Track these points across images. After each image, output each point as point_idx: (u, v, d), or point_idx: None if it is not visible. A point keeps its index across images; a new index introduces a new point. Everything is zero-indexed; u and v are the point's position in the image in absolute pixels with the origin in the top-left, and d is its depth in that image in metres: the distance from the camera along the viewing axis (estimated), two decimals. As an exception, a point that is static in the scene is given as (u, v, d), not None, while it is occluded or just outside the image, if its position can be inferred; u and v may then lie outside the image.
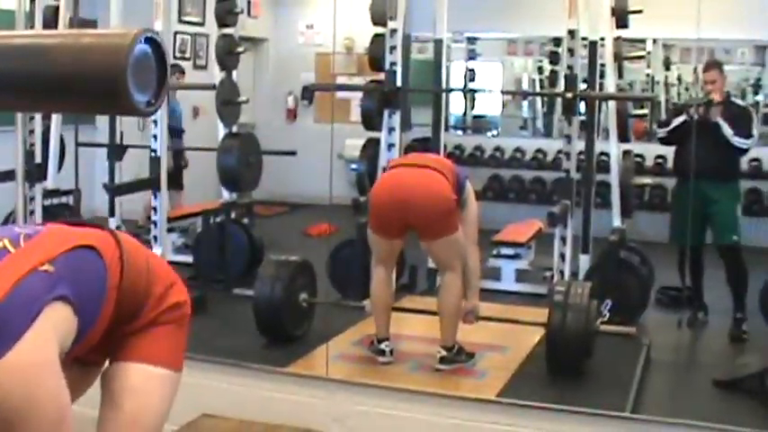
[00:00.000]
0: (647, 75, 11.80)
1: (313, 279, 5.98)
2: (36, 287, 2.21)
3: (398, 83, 6.78)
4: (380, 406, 4.55)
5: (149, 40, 2.29)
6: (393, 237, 5.25)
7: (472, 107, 13.58)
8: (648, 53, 11.47)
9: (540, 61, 12.73)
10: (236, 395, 4.77)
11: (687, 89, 12.70)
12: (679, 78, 12.61)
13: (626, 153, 7.03)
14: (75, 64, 2.22)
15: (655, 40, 11.42)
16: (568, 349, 5.00)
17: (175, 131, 9.55)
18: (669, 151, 10.74)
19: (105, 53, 2.22)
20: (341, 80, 11.79)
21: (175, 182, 9.62)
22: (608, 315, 5.47)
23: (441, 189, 5.07)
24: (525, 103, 13.54)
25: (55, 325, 2.22)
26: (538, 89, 12.83)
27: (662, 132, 7.04)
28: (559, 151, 7.49)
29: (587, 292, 5.13)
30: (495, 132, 13.51)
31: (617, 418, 4.34)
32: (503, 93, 13.01)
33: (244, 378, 4.83)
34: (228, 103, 7.68)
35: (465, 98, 13.32)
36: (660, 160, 11.07)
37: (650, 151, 10.96)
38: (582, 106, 6.67)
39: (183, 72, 9.95)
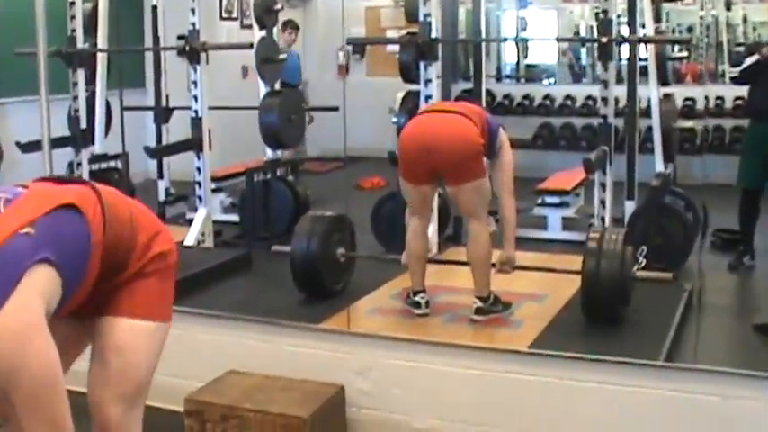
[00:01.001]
0: (700, 17, 11.58)
1: (351, 233, 5.96)
2: (18, 251, 2.26)
3: (434, 34, 6.69)
4: (404, 359, 4.54)
5: None
6: (422, 183, 5.19)
7: (525, 56, 13.45)
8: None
9: (597, 8, 12.57)
10: (264, 352, 4.80)
11: (755, 29, 12.51)
12: (744, 18, 12.41)
13: (666, 96, 6.93)
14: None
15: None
16: (603, 297, 4.92)
17: (288, 86, 9.57)
18: (727, 93, 10.77)
19: None
20: (390, 34, 11.76)
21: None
22: (644, 261, 5.40)
23: (465, 132, 5.01)
24: (583, 51, 13.38)
25: (39, 287, 2.27)
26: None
27: (734, 72, 7.01)
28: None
29: (622, 239, 5.04)
30: (551, 81, 13.39)
31: (650, 366, 4.28)
32: (518, 41, 12.79)
33: (271, 335, 4.85)
34: (268, 61, 7.66)
35: (517, 47, 13.20)
36: (719, 102, 10.94)
37: (710, 93, 10.87)
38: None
39: (297, 28, 10.09)
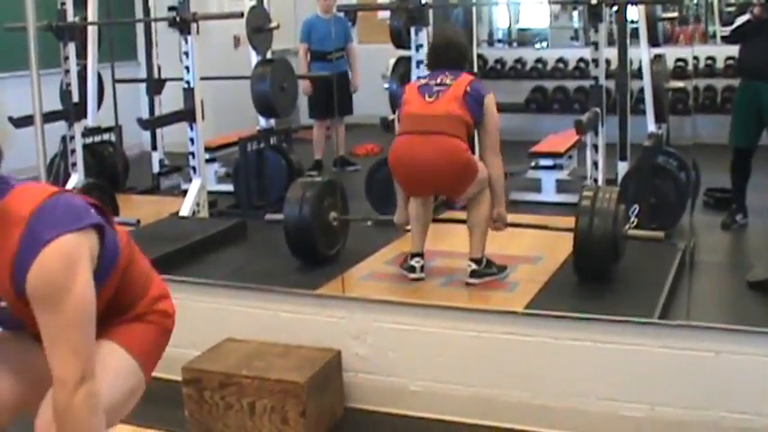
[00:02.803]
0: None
1: (342, 197, 5.98)
2: (89, 209, 2.53)
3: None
4: (400, 322, 4.57)
5: None
6: (421, 195, 5.38)
7: (517, 20, 13.43)
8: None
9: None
10: (260, 319, 4.83)
11: (749, -12, 12.48)
12: (737, -23, 12.37)
13: (657, 57, 6.94)
14: None
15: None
16: (596, 254, 4.94)
17: (318, 54, 9.58)
18: (719, 53, 10.78)
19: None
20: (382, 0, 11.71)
21: (322, 109, 9.61)
22: (635, 220, 5.42)
23: (453, 156, 5.04)
24: (576, 14, 13.36)
25: (90, 247, 2.48)
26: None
27: (726, 31, 7.03)
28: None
29: (615, 197, 5.07)
30: (543, 45, 13.38)
31: (644, 324, 4.30)
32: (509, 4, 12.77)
33: (267, 302, 4.87)
34: (259, 30, 7.65)
35: (509, 11, 13.18)
36: (710, 62, 10.95)
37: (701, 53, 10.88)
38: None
39: None
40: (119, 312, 2.73)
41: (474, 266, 5.21)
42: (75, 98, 7.89)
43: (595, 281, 5.03)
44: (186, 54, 7.18)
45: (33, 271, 2.36)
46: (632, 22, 7.13)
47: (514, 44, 13.32)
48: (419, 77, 5.52)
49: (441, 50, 5.41)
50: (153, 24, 8.88)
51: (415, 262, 5.32)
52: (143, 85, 9.40)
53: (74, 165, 7.73)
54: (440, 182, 5.18)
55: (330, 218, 5.75)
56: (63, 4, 7.85)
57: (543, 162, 8.13)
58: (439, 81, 5.21)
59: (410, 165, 5.14)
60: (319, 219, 5.65)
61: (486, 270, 5.24)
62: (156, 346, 2.85)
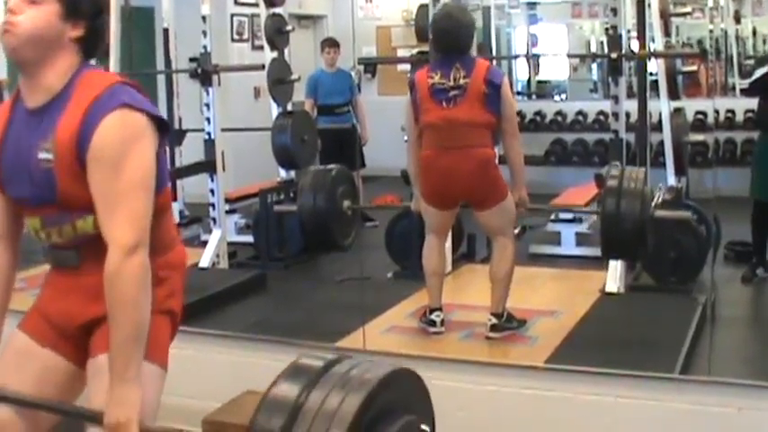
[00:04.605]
0: (710, 30, 11.60)
1: (354, 187, 5.99)
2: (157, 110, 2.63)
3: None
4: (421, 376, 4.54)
5: None
6: (446, 208, 5.27)
7: (536, 72, 13.48)
8: (701, 8, 11.27)
9: (607, 23, 12.61)
10: (280, 371, 4.80)
11: (765, 41, 12.52)
12: (754, 31, 12.42)
13: (677, 110, 6.95)
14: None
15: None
16: (622, 236, 4.95)
17: (325, 108, 9.51)
18: (738, 105, 10.79)
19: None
20: (401, 53, 11.81)
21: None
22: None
23: (482, 170, 5.06)
24: (594, 66, 13.40)
25: (152, 136, 2.58)
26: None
27: (745, 84, 7.02)
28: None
29: (642, 177, 5.06)
30: (562, 97, 13.42)
31: (665, 379, 4.29)
32: (529, 57, 12.85)
33: (287, 355, 4.82)
34: (280, 82, 7.71)
35: (528, 63, 13.24)
36: (730, 115, 10.95)
37: (720, 106, 10.88)
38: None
39: (336, 45, 9.71)
40: (156, 251, 2.66)
41: (494, 320, 5.20)
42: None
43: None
44: (207, 105, 7.24)
45: (101, 129, 2.45)
46: (651, 73, 7.15)
47: (534, 96, 13.35)
48: (429, 69, 5.34)
49: (446, 33, 5.20)
50: (174, 75, 8.94)
51: (435, 316, 5.31)
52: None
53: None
54: (469, 194, 5.13)
55: (344, 206, 5.71)
56: (86, 55, 7.90)
57: (563, 215, 8.13)
58: (452, 81, 5.09)
59: (441, 184, 5.14)
60: (334, 207, 5.61)
61: (507, 324, 5.23)
62: (169, 339, 2.82)
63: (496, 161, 5.18)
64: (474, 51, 5.70)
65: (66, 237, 2.60)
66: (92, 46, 2.65)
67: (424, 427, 2.38)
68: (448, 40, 5.18)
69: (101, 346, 2.60)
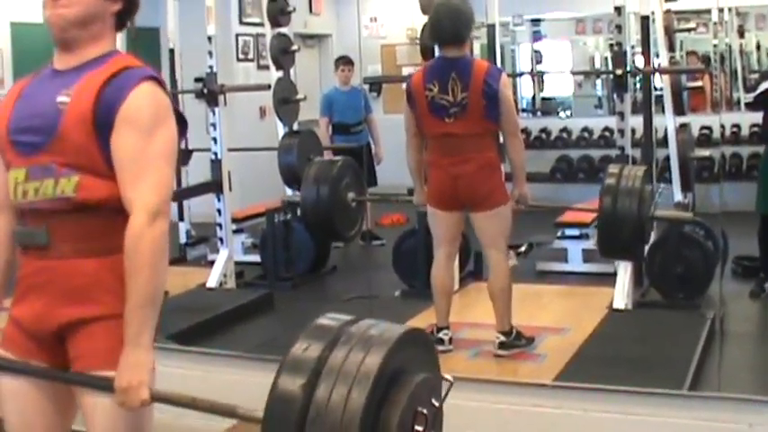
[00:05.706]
0: (714, 45, 11.60)
1: (359, 179, 5.98)
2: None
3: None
4: (429, 395, 4.54)
5: None
6: (452, 209, 5.26)
7: (541, 89, 13.49)
8: (704, 23, 11.26)
9: (611, 39, 12.61)
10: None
11: (770, 55, 12.53)
12: (758, 45, 12.42)
13: (682, 126, 6.95)
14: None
15: (721, 9, 11.14)
16: (621, 234, 4.94)
17: (341, 127, 9.49)
18: (744, 120, 10.78)
19: None
20: (406, 71, 11.80)
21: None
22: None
23: (481, 170, 5.10)
24: (599, 82, 13.41)
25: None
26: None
27: (749, 97, 7.03)
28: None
29: (641, 175, 5.04)
30: (567, 113, 13.41)
31: (674, 395, 4.28)
32: (534, 74, 12.84)
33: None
34: (286, 101, 7.73)
35: (533, 81, 13.25)
36: (735, 129, 10.94)
37: (726, 121, 10.86)
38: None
39: (350, 63, 9.62)
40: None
41: (502, 338, 5.20)
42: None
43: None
44: (213, 125, 7.26)
45: (138, 93, 2.49)
46: (656, 88, 7.15)
47: (539, 113, 13.36)
48: (425, 76, 5.33)
49: (445, 18, 5.18)
50: (180, 95, 8.96)
51: (443, 335, 5.30)
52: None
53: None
54: (471, 193, 5.13)
55: (349, 198, 5.70)
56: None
57: (569, 232, 8.12)
58: (450, 96, 5.08)
59: (445, 184, 5.17)
60: (338, 198, 5.59)
61: (515, 342, 5.23)
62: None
63: (501, 167, 5.20)
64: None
65: (42, 196, 2.51)
66: (126, 17, 2.70)
67: (447, 376, 2.44)
68: (446, 25, 5.15)
69: (89, 358, 2.55)
